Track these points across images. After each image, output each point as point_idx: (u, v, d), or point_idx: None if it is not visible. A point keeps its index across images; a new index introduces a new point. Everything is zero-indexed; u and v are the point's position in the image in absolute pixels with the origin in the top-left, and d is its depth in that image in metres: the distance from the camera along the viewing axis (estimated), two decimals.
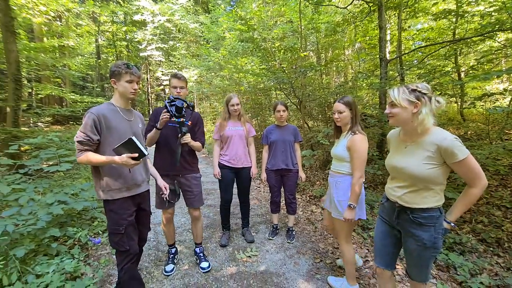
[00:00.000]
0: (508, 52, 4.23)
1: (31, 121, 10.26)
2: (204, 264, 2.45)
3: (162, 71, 17.20)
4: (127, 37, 17.29)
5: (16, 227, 2.13)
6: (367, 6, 5.16)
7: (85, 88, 16.08)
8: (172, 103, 2.00)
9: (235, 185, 2.92)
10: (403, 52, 5.70)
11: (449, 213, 1.39)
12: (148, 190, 1.98)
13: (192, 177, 2.37)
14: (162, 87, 19.73)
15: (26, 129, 7.31)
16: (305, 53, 6.89)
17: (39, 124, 10.48)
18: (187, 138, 2.10)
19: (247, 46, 6.79)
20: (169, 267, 2.41)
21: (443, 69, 4.98)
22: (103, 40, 17.40)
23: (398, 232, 1.56)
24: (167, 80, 16.01)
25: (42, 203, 2.48)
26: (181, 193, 2.40)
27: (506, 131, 4.68)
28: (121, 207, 1.72)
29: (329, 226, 2.37)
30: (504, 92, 4.16)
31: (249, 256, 2.68)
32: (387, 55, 5.48)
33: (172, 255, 2.53)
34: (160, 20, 15.18)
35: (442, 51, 5.06)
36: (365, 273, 2.38)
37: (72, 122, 11.78)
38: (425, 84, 1.36)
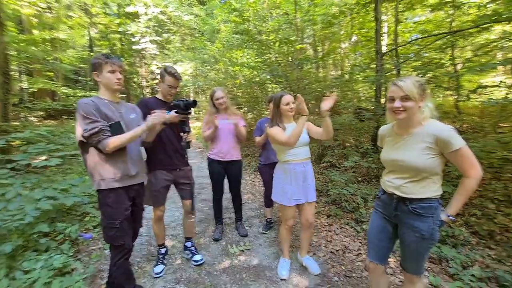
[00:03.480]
0: (505, 45, 4.20)
1: (22, 116, 10.05)
2: (197, 257, 2.44)
3: (157, 65, 16.91)
4: (121, 30, 16.89)
5: (3, 222, 2.09)
6: None
7: (78, 82, 15.78)
8: (184, 102, 2.05)
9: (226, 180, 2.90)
10: (399, 45, 5.63)
11: (448, 207, 1.38)
12: (143, 184, 1.94)
13: (187, 169, 2.42)
14: (156, 80, 19.47)
15: (17, 123, 7.18)
16: (301, 46, 6.80)
17: (31, 118, 10.26)
18: (190, 137, 2.29)
19: (242, 38, 6.68)
20: (159, 268, 2.31)
21: (440, 61, 4.93)
22: (96, 33, 17.00)
23: (394, 226, 1.54)
24: None
25: (30, 198, 2.43)
26: (173, 186, 2.40)
27: (500, 124, 4.67)
28: (117, 201, 1.68)
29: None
30: (500, 85, 4.14)
31: (242, 250, 2.67)
32: (384, 48, 5.42)
33: (161, 255, 2.43)
34: (153, 12, 14.85)
35: (439, 43, 5.01)
36: (357, 266, 2.38)
37: (65, 117, 11.58)
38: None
